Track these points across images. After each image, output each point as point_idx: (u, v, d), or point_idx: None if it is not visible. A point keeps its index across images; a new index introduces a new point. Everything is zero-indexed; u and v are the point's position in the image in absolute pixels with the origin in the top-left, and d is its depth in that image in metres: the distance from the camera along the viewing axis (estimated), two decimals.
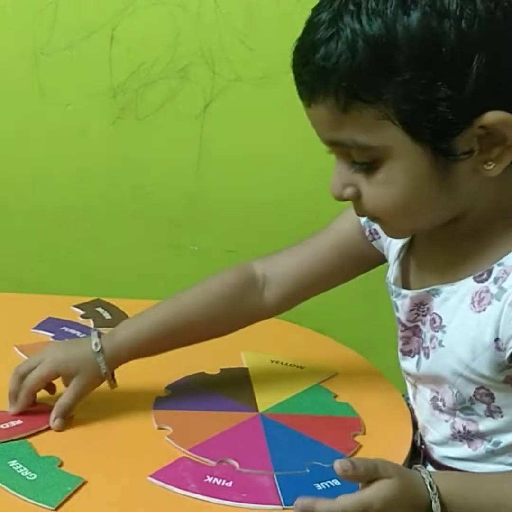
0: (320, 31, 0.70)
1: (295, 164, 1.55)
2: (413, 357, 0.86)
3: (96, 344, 0.91)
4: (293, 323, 1.19)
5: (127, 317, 1.18)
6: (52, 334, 1.11)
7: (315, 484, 0.79)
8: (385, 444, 0.88)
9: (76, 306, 1.21)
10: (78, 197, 1.56)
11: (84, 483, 0.77)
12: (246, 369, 1.05)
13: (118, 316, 1.19)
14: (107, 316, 1.19)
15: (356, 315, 1.65)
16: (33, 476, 0.77)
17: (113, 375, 0.93)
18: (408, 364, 0.87)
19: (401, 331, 0.87)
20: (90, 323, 1.16)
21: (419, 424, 0.90)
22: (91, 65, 1.51)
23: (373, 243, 0.94)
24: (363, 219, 0.92)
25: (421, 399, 0.88)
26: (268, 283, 0.99)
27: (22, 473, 0.77)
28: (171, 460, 0.82)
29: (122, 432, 0.88)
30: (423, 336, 0.84)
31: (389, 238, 0.89)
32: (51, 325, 1.13)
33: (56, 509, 0.73)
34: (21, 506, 0.73)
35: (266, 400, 0.97)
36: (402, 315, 0.86)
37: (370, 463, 0.71)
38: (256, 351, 1.09)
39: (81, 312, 1.19)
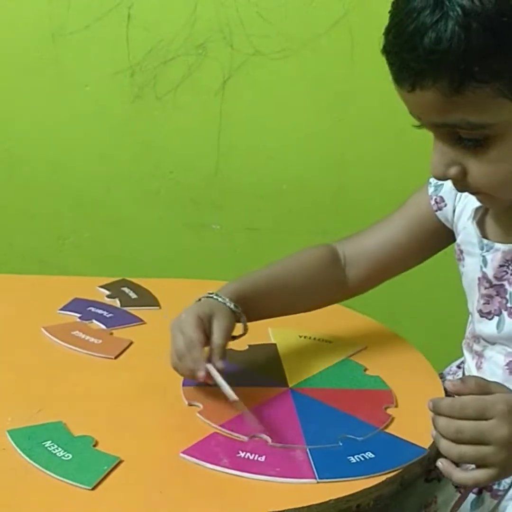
0: (425, 14, 0.69)
1: (317, 138, 1.54)
2: (491, 319, 0.87)
3: (210, 293, 0.94)
4: None
5: (152, 296, 1.18)
6: (78, 315, 1.10)
7: (349, 457, 0.79)
8: (418, 416, 0.87)
9: (101, 287, 1.21)
10: (99, 178, 1.56)
11: (120, 462, 0.77)
12: (274, 344, 1.04)
13: (144, 295, 1.19)
14: (133, 295, 1.18)
15: (380, 291, 1.64)
16: (68, 456, 0.77)
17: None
18: (485, 326, 0.88)
19: (485, 288, 0.88)
20: (116, 303, 1.16)
21: None
22: (109, 45, 1.50)
23: (438, 213, 0.96)
24: (431, 189, 0.96)
25: (492, 367, 0.88)
26: (348, 263, 1.04)
27: (58, 454, 0.77)
28: (203, 436, 0.82)
29: (154, 410, 0.88)
30: (508, 296, 0.86)
31: (460, 201, 0.92)
32: (78, 306, 1.13)
33: (93, 488, 0.73)
34: (58, 486, 0.73)
35: (296, 374, 0.97)
36: (490, 270, 0.87)
37: (480, 378, 0.72)
38: (283, 326, 1.08)
39: (107, 292, 1.19)
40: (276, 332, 1.08)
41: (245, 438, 0.82)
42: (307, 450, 0.80)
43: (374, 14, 1.49)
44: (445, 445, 0.71)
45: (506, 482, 0.86)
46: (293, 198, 1.58)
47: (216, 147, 1.54)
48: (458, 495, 0.88)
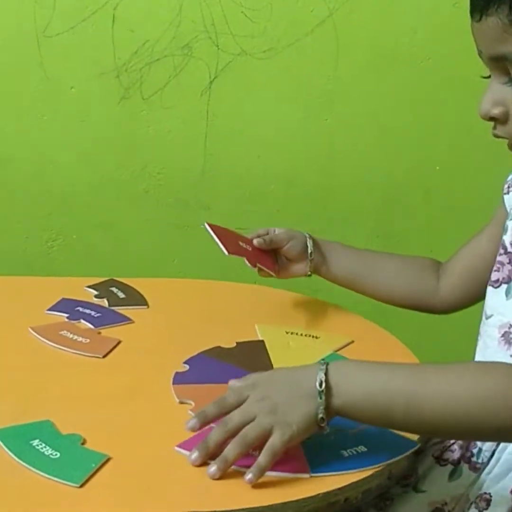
0: None
1: (303, 137, 1.54)
2: (498, 286, 0.90)
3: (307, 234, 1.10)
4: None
5: (140, 295, 1.18)
6: (66, 315, 1.10)
7: (342, 451, 0.79)
8: None
9: (89, 287, 1.20)
10: (86, 179, 1.56)
11: (108, 459, 0.77)
12: (262, 341, 1.05)
13: (132, 294, 1.19)
14: (121, 295, 1.18)
15: None
16: (56, 454, 0.77)
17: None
18: (494, 296, 0.90)
19: (499, 255, 0.91)
20: (104, 302, 1.16)
21: None
22: (94, 46, 1.49)
23: (505, 197, 0.98)
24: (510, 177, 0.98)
25: (487, 341, 0.90)
26: (442, 271, 1.08)
27: (45, 452, 0.77)
28: (195, 433, 0.82)
29: (142, 408, 0.88)
30: None
31: None
32: (65, 306, 1.13)
33: (81, 486, 0.72)
34: (46, 484, 0.73)
35: None
36: (508, 237, 0.90)
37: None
38: (270, 323, 1.09)
39: (95, 293, 1.19)
40: (263, 328, 1.08)
41: None
42: (301, 445, 0.80)
43: (358, 14, 1.50)
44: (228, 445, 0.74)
45: (484, 455, 0.87)
46: (281, 197, 1.59)
47: (203, 147, 1.54)
48: (438, 466, 0.90)
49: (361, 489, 0.75)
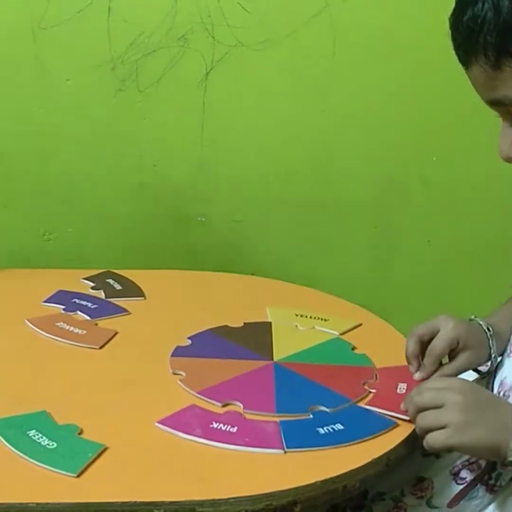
0: None
1: (300, 128, 1.53)
2: None
3: (488, 329, 0.92)
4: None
5: (137, 287, 1.18)
6: (63, 306, 1.10)
7: (317, 429, 0.80)
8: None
9: (86, 279, 1.21)
10: (83, 172, 1.55)
11: (105, 449, 0.77)
12: (269, 323, 1.07)
13: (129, 286, 1.19)
14: (117, 287, 1.18)
15: (368, 283, 1.65)
16: (53, 445, 0.77)
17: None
18: None
19: None
20: (101, 294, 1.15)
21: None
22: (89, 38, 1.48)
23: None
24: None
25: None
26: None
27: (42, 443, 0.77)
28: (182, 406, 0.83)
29: (138, 399, 0.87)
30: None
31: None
32: (62, 297, 1.13)
33: (78, 475, 0.72)
34: (43, 474, 0.73)
35: (284, 350, 0.98)
36: None
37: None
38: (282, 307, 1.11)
39: (92, 284, 1.19)
40: (274, 311, 1.10)
41: (219, 405, 0.84)
42: (279, 421, 0.81)
43: (354, 4, 1.50)
44: (412, 412, 0.79)
45: (504, 479, 0.86)
46: (277, 190, 1.58)
47: (200, 139, 1.53)
48: (454, 483, 0.89)
49: (358, 477, 0.75)
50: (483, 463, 0.87)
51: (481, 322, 0.94)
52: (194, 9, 1.46)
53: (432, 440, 0.75)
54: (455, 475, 0.90)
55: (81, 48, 1.49)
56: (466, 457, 0.89)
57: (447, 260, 1.62)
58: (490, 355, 0.92)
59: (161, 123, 1.53)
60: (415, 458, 0.93)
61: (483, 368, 0.95)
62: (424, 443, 0.76)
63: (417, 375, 0.90)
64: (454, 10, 0.78)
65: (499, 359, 0.94)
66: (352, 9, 1.50)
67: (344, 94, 1.52)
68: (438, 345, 0.89)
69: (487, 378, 0.95)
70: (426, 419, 0.76)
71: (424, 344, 0.91)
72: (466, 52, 0.76)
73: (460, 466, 0.90)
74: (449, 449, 0.77)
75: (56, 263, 1.49)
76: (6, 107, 1.53)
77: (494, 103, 0.78)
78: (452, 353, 0.91)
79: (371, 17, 1.50)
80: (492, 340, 0.92)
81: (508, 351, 0.91)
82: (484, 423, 0.74)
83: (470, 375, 0.99)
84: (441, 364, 0.91)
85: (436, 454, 0.92)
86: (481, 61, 0.74)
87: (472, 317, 0.95)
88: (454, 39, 0.78)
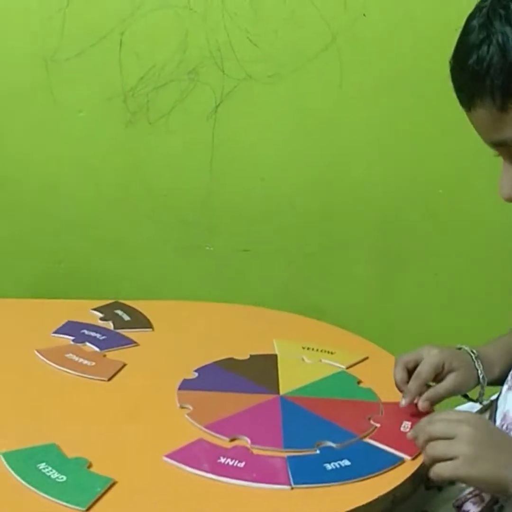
0: (472, 37, 0.74)
1: (307, 160, 1.55)
2: None
3: (473, 352, 0.94)
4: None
5: (145, 318, 1.19)
6: (72, 338, 1.11)
7: (325, 464, 0.80)
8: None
9: (94, 309, 1.21)
10: (93, 202, 1.57)
11: (114, 483, 0.77)
12: (275, 355, 1.07)
13: (137, 317, 1.20)
14: (126, 318, 1.19)
15: (375, 315, 1.65)
16: (62, 478, 0.77)
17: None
18: None
19: None
20: (110, 325, 1.16)
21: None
22: (101, 71, 1.51)
23: None
24: None
25: None
26: None
27: (52, 476, 0.77)
28: (190, 440, 0.83)
29: (147, 431, 0.88)
30: None
31: None
32: (71, 328, 1.14)
33: (87, 509, 0.73)
34: (53, 508, 0.73)
35: (290, 383, 0.99)
36: None
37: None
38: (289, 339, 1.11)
39: (100, 315, 1.20)
40: (281, 343, 1.10)
41: (227, 439, 0.84)
42: (286, 457, 0.81)
43: (361, 39, 1.52)
44: (422, 440, 0.79)
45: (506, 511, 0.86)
46: (285, 220, 1.60)
47: (209, 170, 1.55)
48: None
49: None
50: (486, 496, 0.88)
51: (465, 347, 0.96)
52: (204, 43, 1.49)
53: (440, 470, 0.75)
54: (459, 508, 0.90)
55: (93, 80, 1.51)
56: (469, 489, 0.90)
57: (453, 293, 1.62)
58: (478, 377, 0.94)
59: (171, 154, 1.55)
60: (418, 492, 0.93)
61: (479, 396, 0.96)
62: (431, 473, 0.77)
63: (402, 402, 0.91)
64: (456, 52, 0.78)
65: (496, 393, 0.95)
66: (359, 43, 1.52)
67: (350, 127, 1.54)
68: (423, 369, 0.91)
69: (491, 409, 0.95)
70: (435, 448, 0.77)
71: (410, 372, 0.93)
72: (471, 95, 0.76)
73: (463, 499, 0.90)
74: (454, 480, 0.77)
75: (65, 292, 1.50)
76: (19, 138, 1.56)
77: (498, 144, 0.78)
78: (438, 377, 0.92)
79: (377, 51, 1.53)
80: (477, 361, 0.94)
81: (510, 383, 0.92)
82: (492, 458, 0.75)
83: (471, 407, 1.00)
84: (428, 387, 0.92)
85: (439, 487, 0.92)
86: (487, 103, 0.74)
87: (459, 346, 0.97)
88: (456, 81, 0.78)
